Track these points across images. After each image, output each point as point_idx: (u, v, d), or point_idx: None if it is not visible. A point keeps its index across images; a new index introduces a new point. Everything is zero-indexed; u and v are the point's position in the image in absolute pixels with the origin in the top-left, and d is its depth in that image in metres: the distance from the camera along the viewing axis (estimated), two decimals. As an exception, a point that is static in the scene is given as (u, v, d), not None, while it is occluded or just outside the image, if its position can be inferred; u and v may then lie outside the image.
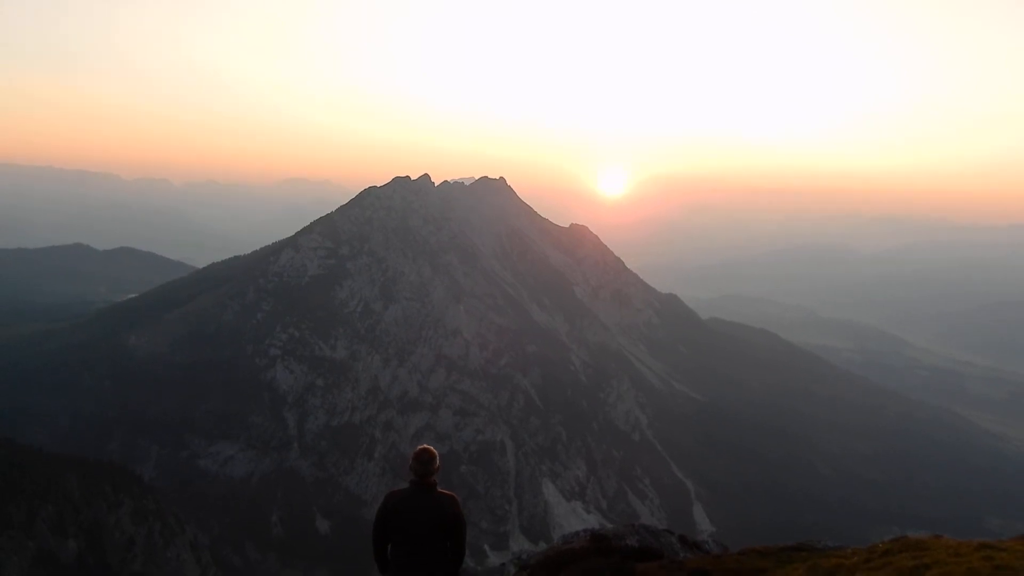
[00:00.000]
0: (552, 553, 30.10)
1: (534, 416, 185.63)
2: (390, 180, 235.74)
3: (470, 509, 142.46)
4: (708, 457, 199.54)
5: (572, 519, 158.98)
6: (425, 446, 8.93)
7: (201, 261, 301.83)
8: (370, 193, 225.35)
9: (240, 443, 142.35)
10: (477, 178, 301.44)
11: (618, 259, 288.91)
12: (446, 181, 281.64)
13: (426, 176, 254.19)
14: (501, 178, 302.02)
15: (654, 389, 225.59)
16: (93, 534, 70.71)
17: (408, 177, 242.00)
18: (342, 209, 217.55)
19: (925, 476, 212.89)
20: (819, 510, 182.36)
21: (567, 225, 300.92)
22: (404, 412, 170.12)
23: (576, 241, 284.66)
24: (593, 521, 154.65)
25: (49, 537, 65.58)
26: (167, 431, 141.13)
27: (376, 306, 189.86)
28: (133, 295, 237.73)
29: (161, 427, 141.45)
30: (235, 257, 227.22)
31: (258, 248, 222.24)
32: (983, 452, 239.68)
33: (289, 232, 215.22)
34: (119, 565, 71.05)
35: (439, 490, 8.87)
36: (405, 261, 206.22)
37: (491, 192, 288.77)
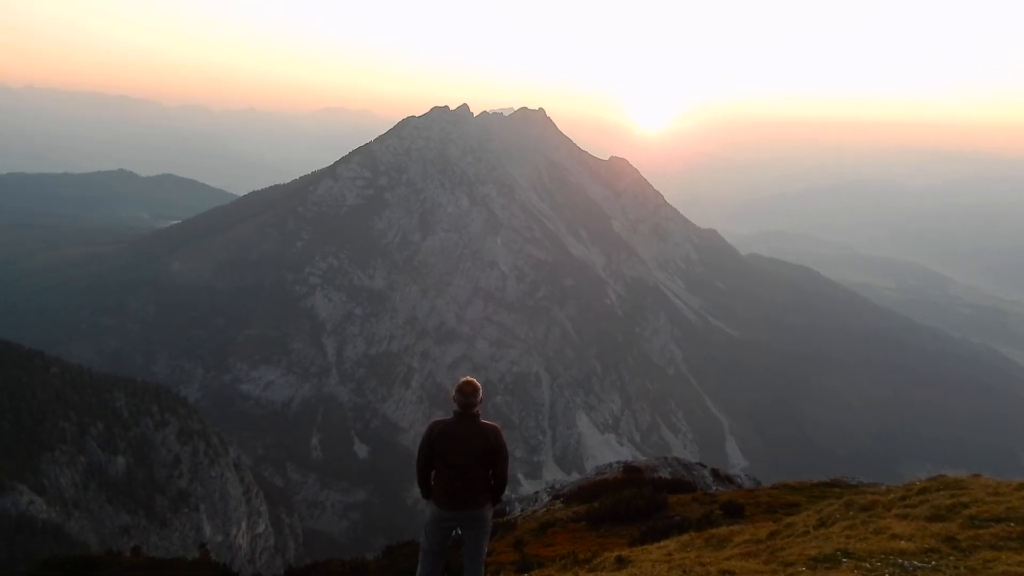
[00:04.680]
0: (586, 483, 30.70)
1: (569, 348, 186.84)
2: (429, 110, 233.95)
3: (505, 439, 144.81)
4: (742, 392, 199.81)
5: (605, 451, 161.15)
6: (468, 378, 9.03)
7: (241, 189, 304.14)
8: (408, 123, 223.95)
9: (281, 368, 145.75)
10: (516, 109, 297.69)
11: (657, 193, 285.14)
12: (485, 112, 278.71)
13: (465, 107, 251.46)
14: (540, 109, 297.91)
15: (690, 324, 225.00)
16: (141, 451, 73.60)
17: (447, 107, 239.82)
18: (380, 139, 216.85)
19: (960, 413, 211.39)
20: (853, 445, 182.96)
21: (607, 158, 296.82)
22: (441, 342, 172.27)
23: (615, 174, 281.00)
24: (626, 453, 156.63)
25: (99, 452, 68.38)
26: (211, 355, 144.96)
27: (414, 237, 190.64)
28: (175, 221, 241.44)
29: (205, 351, 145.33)
30: (275, 186, 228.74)
31: (297, 177, 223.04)
32: (1020, 389, 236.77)
33: (328, 161, 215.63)
34: (165, 481, 73.98)
35: (482, 420, 9.04)
36: (443, 192, 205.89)
37: (530, 123, 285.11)
